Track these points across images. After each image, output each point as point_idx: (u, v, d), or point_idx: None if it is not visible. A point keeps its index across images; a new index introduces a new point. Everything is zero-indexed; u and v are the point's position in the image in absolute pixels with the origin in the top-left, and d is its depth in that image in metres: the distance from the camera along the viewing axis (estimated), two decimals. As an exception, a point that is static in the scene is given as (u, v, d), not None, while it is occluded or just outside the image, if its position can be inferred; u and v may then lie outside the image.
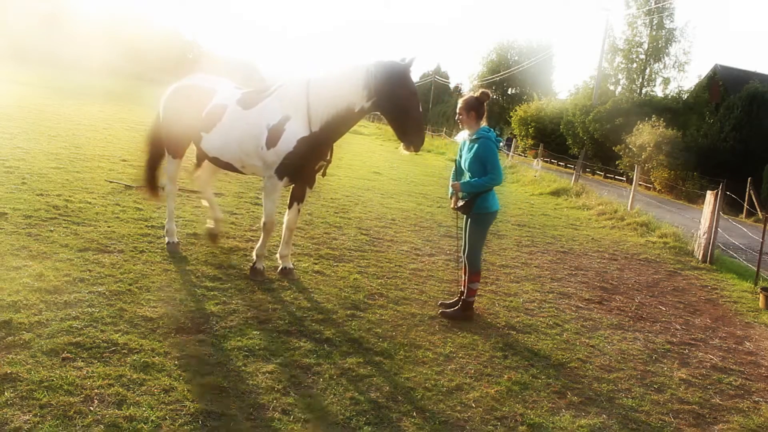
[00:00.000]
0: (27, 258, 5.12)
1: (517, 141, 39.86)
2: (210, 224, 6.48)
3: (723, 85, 33.41)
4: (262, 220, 5.62)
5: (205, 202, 6.62)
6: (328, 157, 5.53)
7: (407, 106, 5.03)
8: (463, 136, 5.54)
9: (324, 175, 5.70)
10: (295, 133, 5.22)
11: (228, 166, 5.76)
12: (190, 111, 5.71)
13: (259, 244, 5.71)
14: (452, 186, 5.37)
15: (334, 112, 5.16)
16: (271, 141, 5.26)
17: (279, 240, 5.98)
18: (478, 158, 5.19)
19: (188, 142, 6.01)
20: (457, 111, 5.38)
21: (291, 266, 5.87)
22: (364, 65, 5.09)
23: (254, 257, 5.74)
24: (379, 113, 5.37)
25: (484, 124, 5.36)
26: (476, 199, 5.26)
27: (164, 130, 6.06)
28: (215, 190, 9.42)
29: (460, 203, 5.36)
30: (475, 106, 5.27)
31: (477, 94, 5.33)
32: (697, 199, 21.16)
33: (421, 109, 5.18)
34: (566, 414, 3.98)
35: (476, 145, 5.22)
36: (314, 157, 5.41)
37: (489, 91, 5.46)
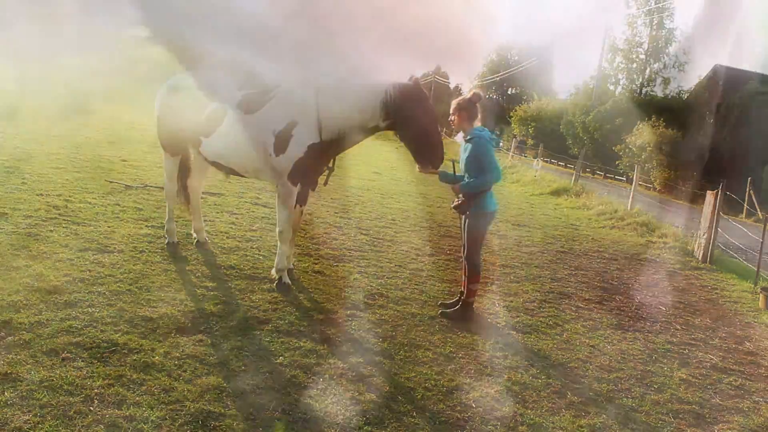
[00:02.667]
0: (27, 258, 5.12)
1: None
2: (194, 235, 6.41)
3: (723, 85, 33.41)
4: (277, 229, 5.48)
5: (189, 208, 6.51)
6: (331, 165, 5.52)
7: (426, 130, 4.99)
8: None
9: (326, 183, 5.67)
10: (304, 139, 5.15)
11: (230, 171, 5.72)
12: (188, 113, 5.63)
13: (278, 258, 5.50)
14: (452, 188, 5.35)
15: (348, 125, 5.10)
16: (280, 147, 5.19)
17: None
18: (473, 158, 5.20)
19: (186, 142, 5.97)
20: (450, 113, 5.39)
21: (291, 266, 5.87)
22: (382, 85, 5.00)
23: (275, 273, 5.53)
24: (395, 133, 5.23)
25: (478, 124, 5.36)
26: (473, 198, 5.26)
27: (160, 128, 6.01)
28: (215, 190, 9.45)
29: (456, 202, 5.36)
30: (465, 107, 5.27)
31: (469, 95, 5.35)
32: (697, 199, 21.14)
33: (439, 129, 5.10)
34: (566, 414, 3.98)
35: (470, 145, 5.23)
36: (322, 162, 5.40)
37: (480, 92, 5.42)
